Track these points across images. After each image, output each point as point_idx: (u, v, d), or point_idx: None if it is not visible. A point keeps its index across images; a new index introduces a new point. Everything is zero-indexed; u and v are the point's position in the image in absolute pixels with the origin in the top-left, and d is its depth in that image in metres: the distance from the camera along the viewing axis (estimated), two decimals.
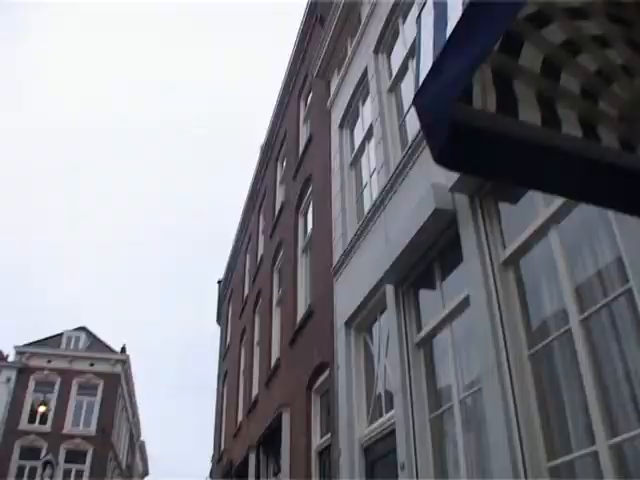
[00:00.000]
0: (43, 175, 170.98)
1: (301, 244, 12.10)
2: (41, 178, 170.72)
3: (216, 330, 26.08)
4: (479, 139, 2.05)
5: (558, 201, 4.11)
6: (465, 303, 5.27)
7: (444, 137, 1.81)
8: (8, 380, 37.83)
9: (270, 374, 12.70)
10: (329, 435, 8.53)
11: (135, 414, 50.64)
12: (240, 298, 19.50)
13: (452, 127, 1.82)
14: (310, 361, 9.55)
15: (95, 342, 41.54)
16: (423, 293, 6.43)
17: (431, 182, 5.62)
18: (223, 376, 22.29)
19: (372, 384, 7.48)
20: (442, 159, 1.96)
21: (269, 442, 11.84)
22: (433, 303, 6.09)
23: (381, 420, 6.91)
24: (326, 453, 8.76)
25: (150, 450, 68.21)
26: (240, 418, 16.57)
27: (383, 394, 7.12)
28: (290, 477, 10.13)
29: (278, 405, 11.04)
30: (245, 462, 13.91)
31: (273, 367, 12.50)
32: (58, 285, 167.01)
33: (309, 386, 9.65)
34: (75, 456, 36.23)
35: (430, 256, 6.05)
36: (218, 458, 21.06)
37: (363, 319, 7.80)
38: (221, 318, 25.35)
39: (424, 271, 6.25)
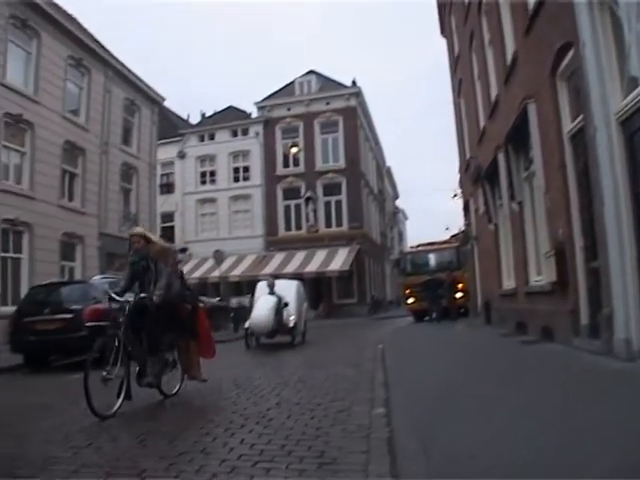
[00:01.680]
0: None
1: None
2: None
3: (442, 47, 25.51)
4: None
5: None
6: None
7: None
8: (257, 134, 40.90)
9: (508, 71, 12.32)
10: (580, 117, 8.32)
11: (377, 142, 52.62)
12: (462, 3, 18.62)
13: None
14: (550, 45, 9.05)
15: (326, 82, 42.74)
16: None
17: None
18: (457, 88, 22.12)
19: (623, 54, 7.03)
20: None
21: (517, 138, 11.82)
22: None
23: (637, 90, 6.57)
24: (579, 136, 8.60)
25: (397, 175, 71.41)
26: (482, 123, 16.57)
27: (637, 57, 6.67)
28: (543, 166, 10.20)
29: (522, 99, 10.83)
30: (494, 163, 14.12)
31: (510, 63, 12.08)
32: (278, 38, 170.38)
33: (552, 72, 9.27)
34: (331, 189, 39.21)
35: None
36: (465, 167, 21.59)
37: None
38: (445, 30, 24.61)
39: None
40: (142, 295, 7.14)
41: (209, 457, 4.47)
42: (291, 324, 15.41)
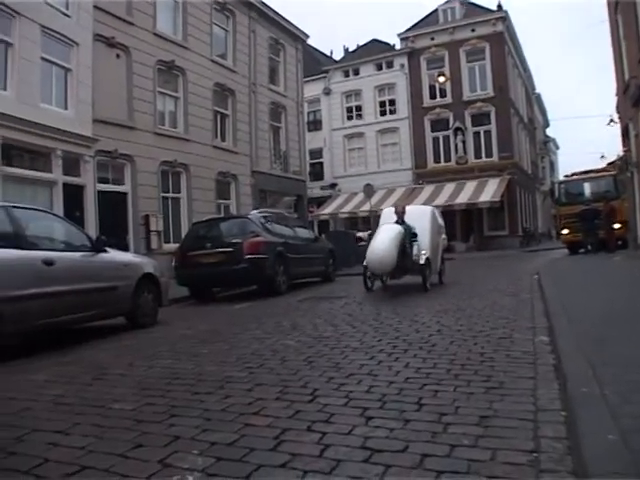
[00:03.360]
0: None
1: None
2: None
3: None
4: None
5: None
6: None
7: None
8: (402, 66, 40.21)
9: None
10: None
11: (526, 69, 50.31)
12: None
13: None
14: None
15: (470, 8, 40.98)
16: None
17: None
18: (614, 4, 20.69)
19: None
20: None
21: None
22: None
23: None
24: None
25: (547, 102, 68.32)
26: None
27: None
28: None
29: None
30: None
31: None
32: None
33: None
34: (479, 118, 38.03)
35: None
36: (623, 89, 20.34)
37: None
38: None
39: None
40: None
41: (376, 379, 4.56)
42: (422, 261, 11.79)
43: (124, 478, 2.91)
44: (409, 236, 11.82)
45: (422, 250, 11.95)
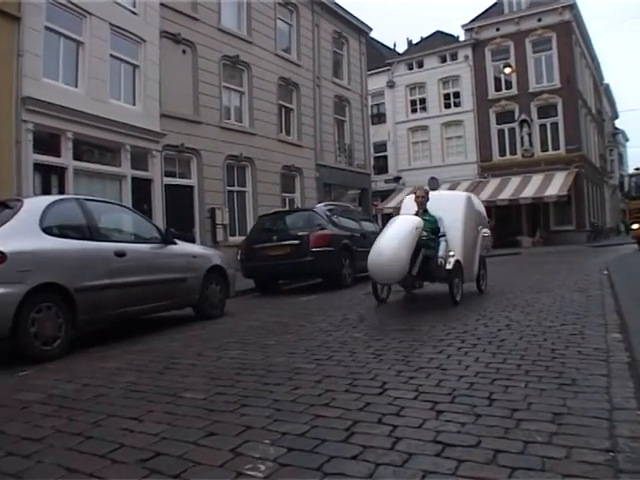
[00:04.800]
0: None
1: None
2: None
3: None
4: None
5: None
6: None
7: None
8: (466, 58, 39.55)
9: None
10: None
11: (594, 58, 48.92)
12: None
13: None
14: None
15: None
16: None
17: None
18: None
19: None
20: None
21: None
22: None
23: None
24: None
25: (617, 93, 66.42)
26: None
27: None
28: None
29: None
30: None
31: None
32: None
33: None
34: (546, 110, 37.06)
35: None
36: None
37: None
38: None
39: None
40: None
41: (446, 373, 4.52)
42: (450, 265, 8.69)
43: (197, 465, 2.96)
44: (432, 232, 8.96)
45: (450, 251, 8.90)
